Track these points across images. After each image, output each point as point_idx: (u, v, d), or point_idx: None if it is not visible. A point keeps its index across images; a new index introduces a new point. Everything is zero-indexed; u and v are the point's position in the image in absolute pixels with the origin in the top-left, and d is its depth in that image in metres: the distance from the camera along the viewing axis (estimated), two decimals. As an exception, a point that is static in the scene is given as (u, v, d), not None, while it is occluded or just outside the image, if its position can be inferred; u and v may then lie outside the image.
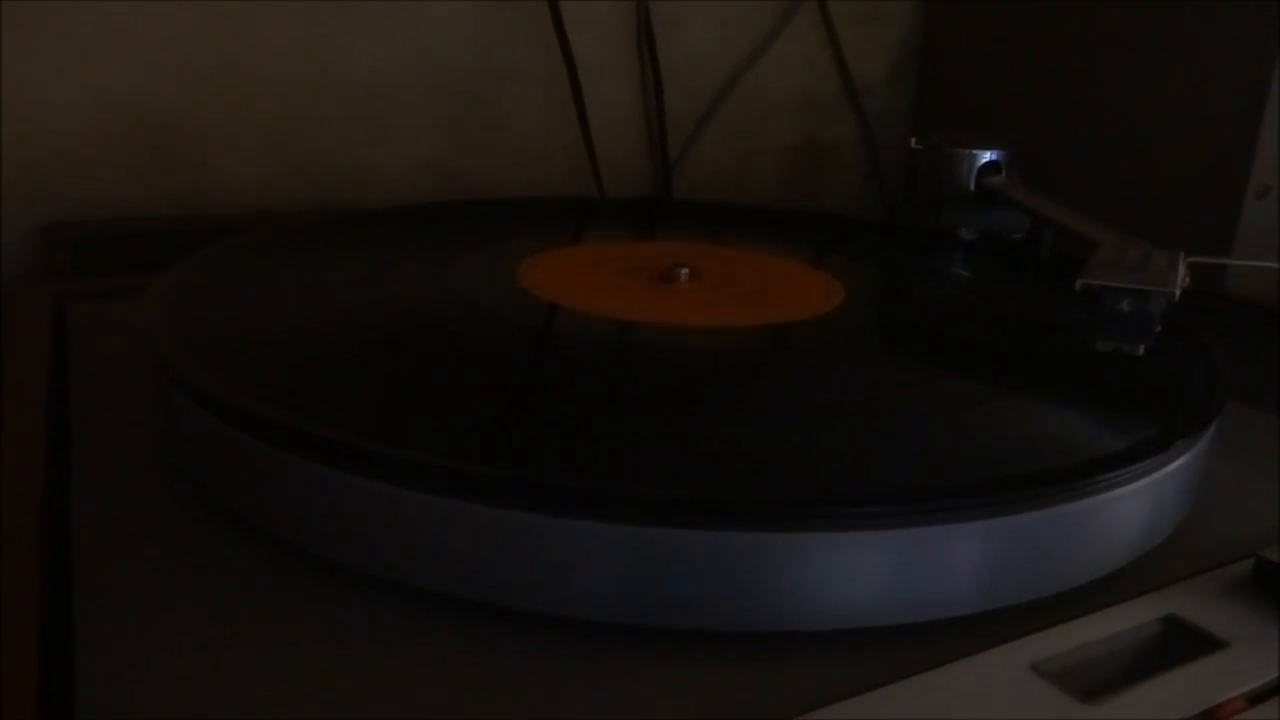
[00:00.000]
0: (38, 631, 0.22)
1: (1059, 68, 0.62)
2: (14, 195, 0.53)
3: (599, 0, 0.63)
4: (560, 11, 0.61)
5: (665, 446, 0.26)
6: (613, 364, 0.33)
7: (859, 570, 0.24)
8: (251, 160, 0.58)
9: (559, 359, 0.33)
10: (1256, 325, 0.45)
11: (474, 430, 0.27)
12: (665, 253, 0.42)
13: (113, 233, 0.53)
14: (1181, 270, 0.33)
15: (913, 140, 0.50)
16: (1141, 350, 0.31)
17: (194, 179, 0.57)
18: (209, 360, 0.29)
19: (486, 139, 0.64)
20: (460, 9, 0.61)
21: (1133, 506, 0.26)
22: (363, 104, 0.60)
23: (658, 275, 0.39)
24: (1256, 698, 0.22)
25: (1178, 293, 0.31)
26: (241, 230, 0.42)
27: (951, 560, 0.24)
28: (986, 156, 0.48)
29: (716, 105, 0.69)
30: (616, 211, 0.56)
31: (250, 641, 0.23)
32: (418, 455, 0.24)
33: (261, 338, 0.33)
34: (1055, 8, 0.62)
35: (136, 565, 0.26)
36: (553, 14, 0.61)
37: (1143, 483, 0.26)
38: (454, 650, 0.23)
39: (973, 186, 0.47)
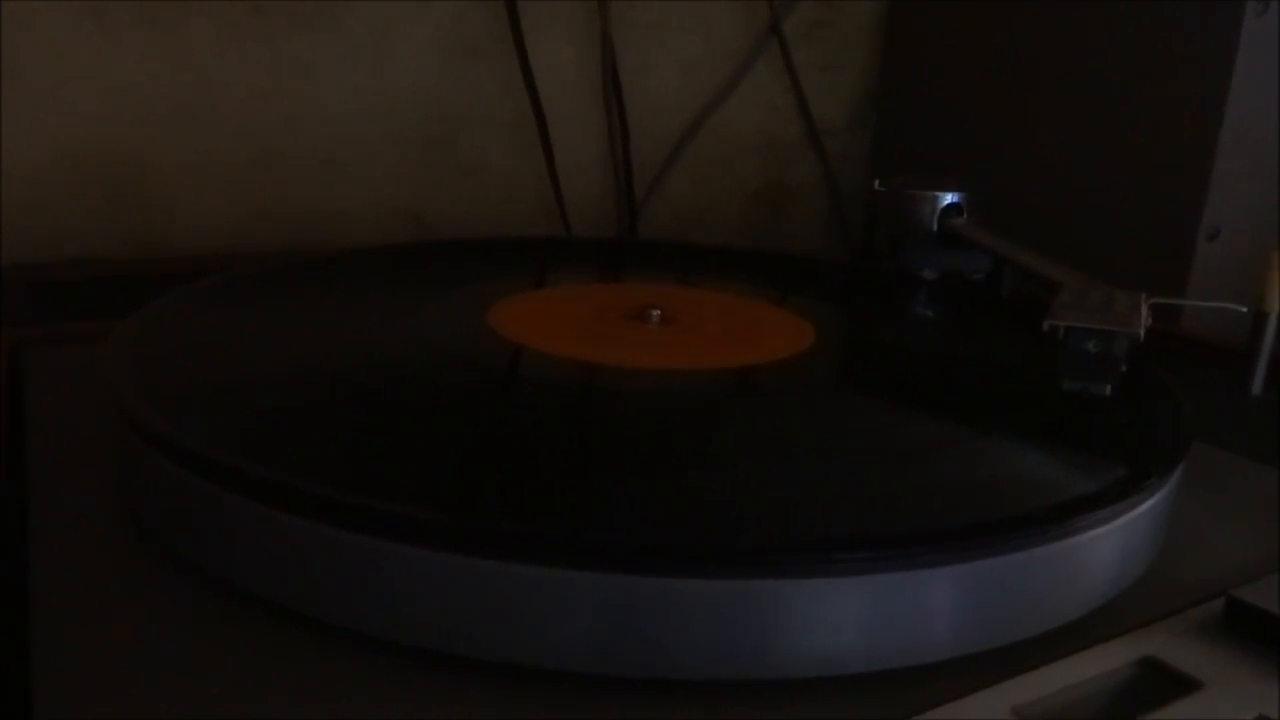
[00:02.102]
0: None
1: (1014, 113, 0.64)
2: (-32, 239, 0.52)
3: (565, 46, 0.64)
4: (528, 57, 0.61)
5: (640, 492, 0.26)
6: (587, 409, 0.33)
7: (835, 617, 0.24)
8: (214, 203, 0.58)
9: (532, 404, 0.33)
10: (1213, 364, 0.46)
11: (445, 478, 0.27)
12: (635, 294, 0.42)
13: (71, 276, 0.52)
14: (1144, 311, 0.33)
15: (875, 182, 0.51)
16: (1107, 390, 0.32)
17: (154, 222, 0.56)
18: (172, 409, 0.29)
19: (453, 182, 0.64)
20: (425, 56, 0.61)
21: (1106, 548, 0.26)
22: (328, 148, 0.60)
23: (629, 317, 0.39)
24: (1234, 738, 0.22)
25: (1142, 334, 0.32)
26: (204, 274, 0.41)
27: (927, 605, 0.24)
28: (948, 198, 0.49)
29: (681, 149, 0.70)
30: (584, 251, 0.56)
31: (214, 697, 0.22)
32: (388, 504, 0.24)
33: (226, 385, 0.32)
34: (1010, 55, 0.64)
35: (96, 619, 0.25)
36: (520, 61, 0.61)
37: (1116, 524, 0.26)
38: (428, 704, 0.23)
39: (935, 228, 0.48)
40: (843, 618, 0.24)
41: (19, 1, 0.51)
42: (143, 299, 0.37)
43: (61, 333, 0.44)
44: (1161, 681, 0.24)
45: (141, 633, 0.24)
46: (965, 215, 0.48)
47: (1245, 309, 0.37)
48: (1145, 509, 0.28)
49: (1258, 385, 0.43)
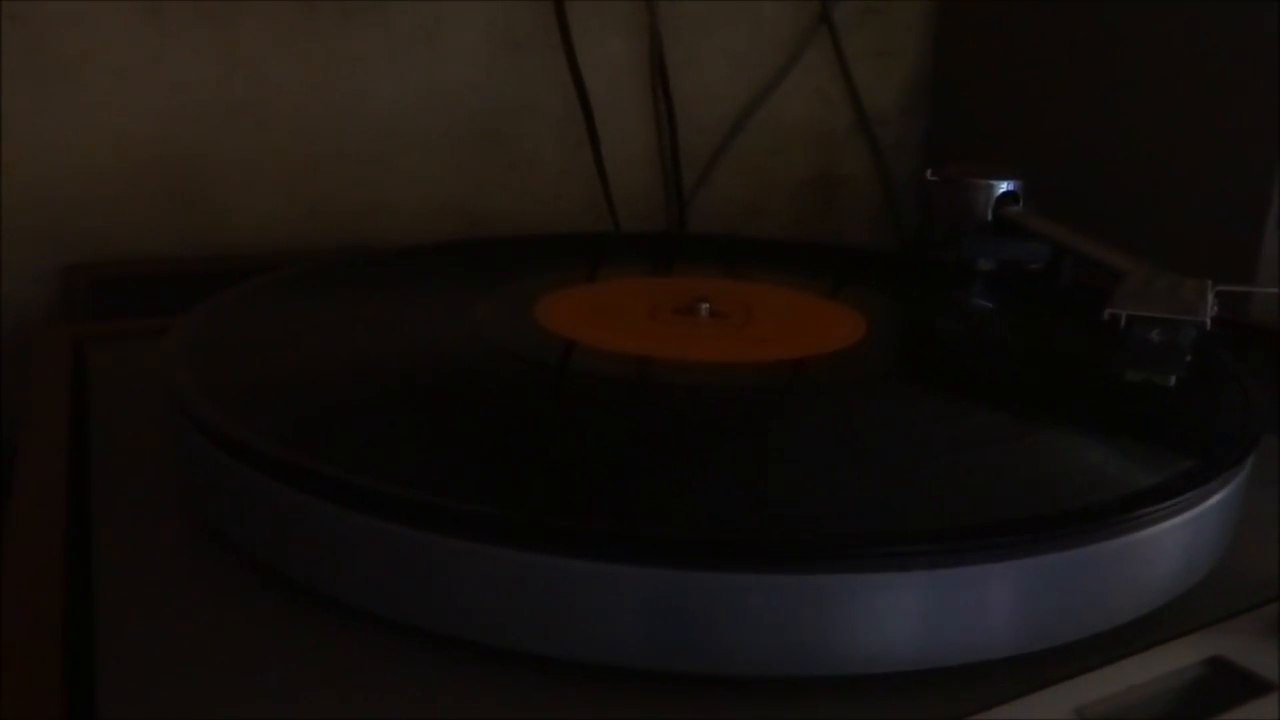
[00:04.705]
0: (60, 679, 0.22)
1: (1072, 98, 0.62)
2: (33, 237, 0.53)
3: (613, 40, 0.64)
4: (575, 51, 0.61)
5: (694, 486, 0.26)
6: (640, 403, 0.33)
7: (892, 612, 0.23)
8: (269, 201, 0.58)
9: (584, 399, 0.33)
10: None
11: (500, 473, 0.27)
12: (686, 288, 0.41)
13: (131, 274, 0.54)
14: (1210, 299, 0.32)
15: (929, 171, 0.50)
16: (1172, 381, 0.31)
17: (212, 220, 0.57)
18: (229, 404, 0.29)
19: (502, 177, 0.64)
20: (474, 50, 0.61)
21: (1172, 543, 0.26)
22: (379, 144, 0.60)
23: (680, 311, 0.39)
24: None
25: (1208, 322, 0.31)
26: (259, 271, 0.42)
27: (987, 601, 0.24)
28: (1004, 186, 0.47)
29: (730, 140, 0.69)
30: (633, 246, 0.56)
31: (274, 690, 0.23)
32: (440, 499, 0.24)
33: (281, 380, 0.32)
34: (1068, 37, 0.62)
35: (157, 611, 0.25)
36: (568, 54, 0.61)
37: (1182, 518, 0.26)
38: (477, 697, 0.23)
39: (990, 217, 0.47)
40: (901, 613, 0.23)
41: (76, 2, 0.52)
42: (201, 296, 0.38)
43: (123, 329, 0.45)
44: (1230, 682, 0.23)
45: (201, 625, 0.25)
46: (1022, 203, 0.47)
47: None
48: (1213, 503, 0.27)
49: (1331, 375, 0.41)
